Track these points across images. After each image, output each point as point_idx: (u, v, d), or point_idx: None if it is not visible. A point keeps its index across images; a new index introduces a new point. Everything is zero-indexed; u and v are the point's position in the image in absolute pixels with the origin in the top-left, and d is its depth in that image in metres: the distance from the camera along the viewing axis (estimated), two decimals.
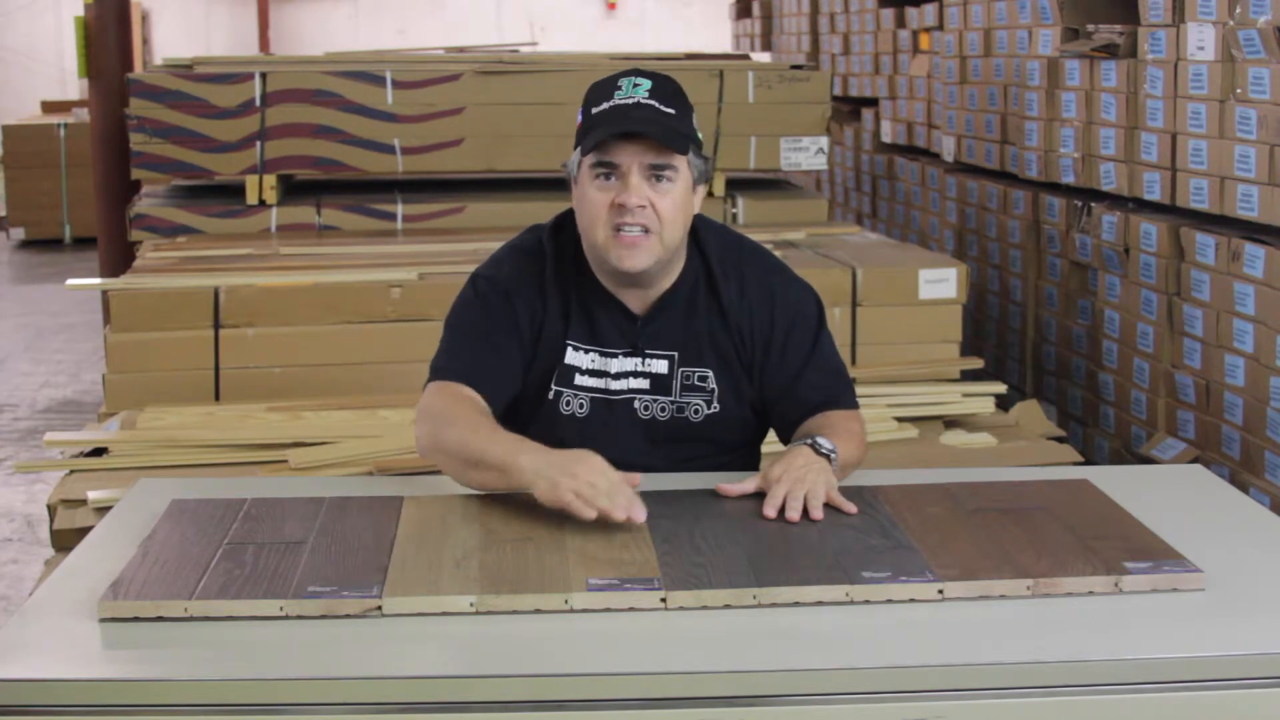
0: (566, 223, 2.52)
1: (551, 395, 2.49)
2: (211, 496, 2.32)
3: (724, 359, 2.51)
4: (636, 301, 2.49)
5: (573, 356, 2.49)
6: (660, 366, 2.49)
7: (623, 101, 2.37)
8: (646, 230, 2.37)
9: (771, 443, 2.65)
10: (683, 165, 2.39)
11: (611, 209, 2.37)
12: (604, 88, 2.42)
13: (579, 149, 2.42)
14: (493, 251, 2.60)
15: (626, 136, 2.35)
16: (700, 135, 2.47)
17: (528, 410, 2.51)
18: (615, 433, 2.48)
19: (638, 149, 2.35)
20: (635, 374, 2.49)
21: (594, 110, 2.40)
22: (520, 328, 2.47)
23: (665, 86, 2.42)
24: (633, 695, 1.76)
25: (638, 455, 2.48)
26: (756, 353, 2.52)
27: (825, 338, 2.56)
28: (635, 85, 2.39)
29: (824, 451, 2.34)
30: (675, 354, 2.50)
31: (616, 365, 2.49)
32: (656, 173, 2.37)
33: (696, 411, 2.50)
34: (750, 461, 2.64)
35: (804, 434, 2.44)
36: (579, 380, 2.49)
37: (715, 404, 2.50)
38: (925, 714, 1.77)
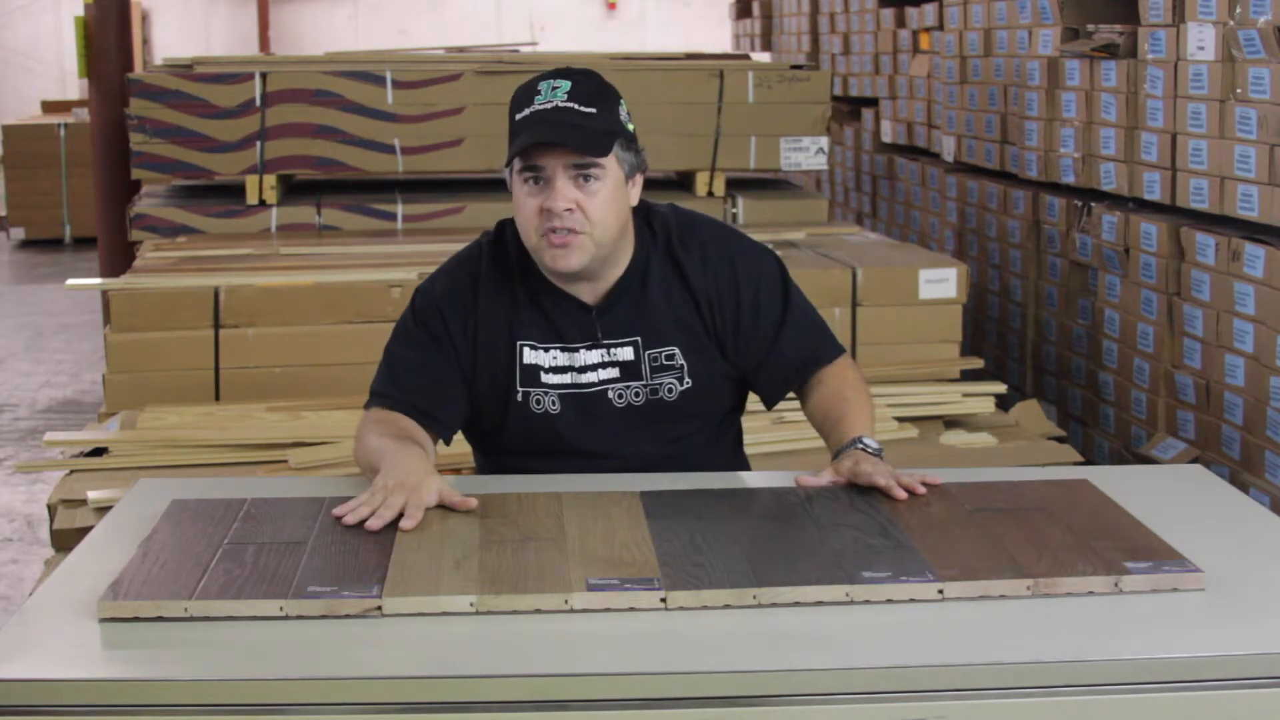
0: (510, 223, 2.54)
1: (520, 397, 2.50)
2: (211, 496, 2.32)
3: (689, 333, 2.52)
4: (589, 293, 2.50)
5: (532, 356, 2.50)
6: (626, 353, 2.50)
7: (542, 106, 2.38)
8: (576, 231, 2.38)
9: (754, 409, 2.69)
10: (609, 162, 2.39)
11: (541, 214, 2.38)
12: (525, 93, 2.42)
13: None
14: None
15: (547, 143, 2.35)
16: (631, 127, 2.46)
17: (498, 415, 2.53)
18: (593, 425, 2.50)
19: (560, 152, 2.36)
20: (603, 364, 2.51)
21: (516, 117, 2.41)
22: (453, 339, 2.50)
23: (585, 85, 2.41)
24: (633, 695, 1.76)
25: (622, 444, 2.50)
26: (727, 323, 2.53)
27: (794, 293, 2.59)
28: (554, 89, 2.39)
29: (872, 452, 2.41)
30: (638, 339, 2.51)
31: (581, 359, 2.50)
32: (582, 173, 2.37)
33: (670, 390, 2.52)
34: (733, 434, 2.69)
35: (826, 421, 2.51)
36: (545, 379, 2.50)
37: (687, 379, 2.52)
38: (925, 714, 1.77)
